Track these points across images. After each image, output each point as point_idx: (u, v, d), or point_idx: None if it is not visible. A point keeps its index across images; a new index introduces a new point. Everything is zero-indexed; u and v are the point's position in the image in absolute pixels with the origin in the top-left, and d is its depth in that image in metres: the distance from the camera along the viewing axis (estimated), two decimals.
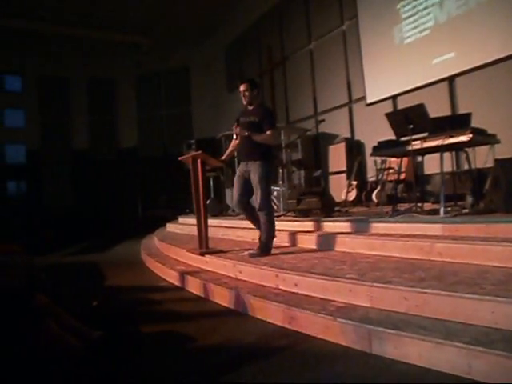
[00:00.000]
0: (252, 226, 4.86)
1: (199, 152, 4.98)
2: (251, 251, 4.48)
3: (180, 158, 5.50)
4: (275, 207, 8.02)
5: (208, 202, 5.38)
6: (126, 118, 19.48)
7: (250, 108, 4.53)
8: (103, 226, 15.31)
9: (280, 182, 7.58)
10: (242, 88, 4.54)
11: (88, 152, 18.98)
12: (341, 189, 8.77)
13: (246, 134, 4.40)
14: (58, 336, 2.40)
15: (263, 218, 4.44)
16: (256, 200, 4.42)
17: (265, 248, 4.45)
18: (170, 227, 9.89)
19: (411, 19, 8.39)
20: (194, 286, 4.45)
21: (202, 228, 5.04)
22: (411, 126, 4.48)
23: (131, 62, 18.23)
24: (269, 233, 4.46)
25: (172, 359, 2.69)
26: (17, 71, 18.35)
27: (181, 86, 18.26)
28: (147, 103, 19.16)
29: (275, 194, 8.16)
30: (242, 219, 5.71)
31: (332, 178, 10.22)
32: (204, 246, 5.06)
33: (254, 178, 4.40)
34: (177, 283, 4.91)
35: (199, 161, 4.94)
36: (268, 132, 4.33)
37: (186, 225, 8.75)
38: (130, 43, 16.99)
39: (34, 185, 18.16)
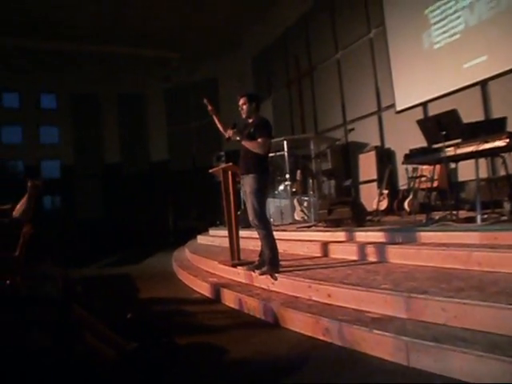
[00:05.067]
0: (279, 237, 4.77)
1: (230, 164, 5.00)
2: (263, 269, 4.29)
3: (210, 171, 5.54)
4: (305, 217, 8.02)
5: (238, 213, 5.38)
6: (155, 132, 19.83)
7: (250, 121, 4.44)
8: (135, 239, 15.53)
9: (310, 192, 7.54)
10: (240, 102, 4.45)
11: (119, 166, 19.40)
12: (372, 198, 8.63)
13: (238, 138, 4.33)
14: (95, 347, 2.43)
15: (259, 233, 4.30)
16: (248, 214, 4.31)
17: (272, 263, 4.24)
18: (201, 239, 9.95)
19: (440, 24, 8.26)
20: (226, 298, 4.45)
21: (234, 239, 5.05)
22: (444, 133, 4.38)
23: (160, 76, 18.58)
24: (270, 247, 4.26)
25: (207, 371, 2.69)
26: (51, 90, 18.99)
27: (209, 97, 18.45)
28: (176, 116, 19.46)
29: (305, 204, 8.15)
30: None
31: (363, 187, 10.09)
32: (236, 257, 5.06)
33: (246, 192, 4.33)
34: (209, 295, 4.92)
35: (230, 173, 4.96)
36: (258, 140, 4.20)
37: (216, 237, 8.78)
38: (159, 58, 17.33)
39: (68, 199, 18.65)
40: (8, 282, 2.60)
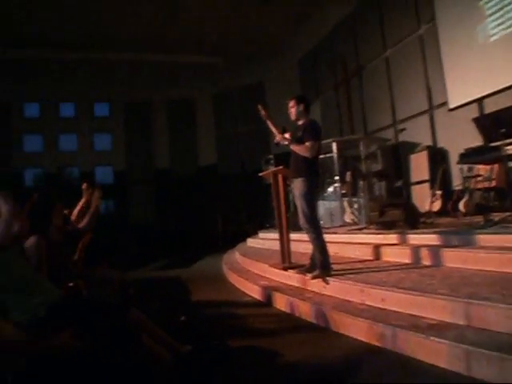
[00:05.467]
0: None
1: (280, 167, 5.00)
2: (315, 273, 4.26)
3: (260, 174, 5.57)
4: (356, 219, 7.89)
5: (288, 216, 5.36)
6: (204, 137, 20.17)
7: (300, 123, 4.43)
8: (185, 242, 15.80)
9: (361, 194, 7.42)
10: (289, 105, 4.45)
11: (169, 171, 19.83)
12: (424, 199, 8.37)
13: (286, 142, 4.35)
14: (151, 349, 2.49)
15: (309, 236, 4.28)
16: (299, 217, 4.30)
17: (323, 266, 4.21)
18: (251, 242, 9.98)
19: (497, 15, 7.89)
20: (277, 301, 4.45)
21: (285, 243, 5.04)
22: (503, 130, 4.19)
23: (208, 82, 18.88)
24: (321, 250, 4.23)
25: (260, 374, 2.70)
26: (104, 98, 19.76)
27: (256, 101, 18.55)
28: (224, 120, 19.70)
29: (355, 205, 8.03)
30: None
31: (414, 188, 9.81)
32: (287, 260, 5.05)
33: (296, 196, 4.33)
34: (260, 298, 4.94)
35: (280, 176, 4.97)
36: (306, 143, 4.18)
37: (266, 240, 8.79)
38: (206, 64, 17.63)
39: (121, 203, 19.27)
40: (71, 285, 2.72)
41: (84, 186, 4.46)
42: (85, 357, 2.23)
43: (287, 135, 4.52)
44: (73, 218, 4.38)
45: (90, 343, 2.17)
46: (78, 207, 4.45)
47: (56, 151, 19.22)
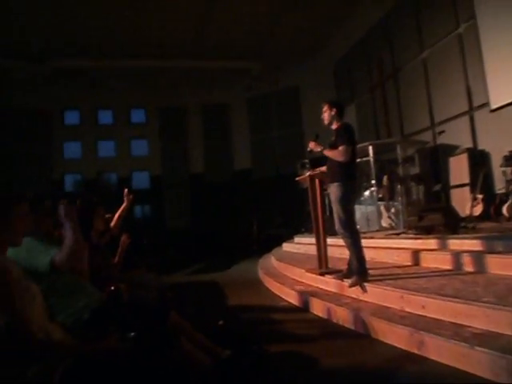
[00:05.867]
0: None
1: (317, 171, 4.99)
2: (352, 280, 4.18)
3: (297, 179, 5.57)
4: (393, 224, 7.76)
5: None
6: (239, 141, 20.25)
7: (333, 128, 4.40)
8: (220, 246, 15.89)
9: (399, 198, 7.29)
10: (322, 109, 4.44)
11: (204, 175, 20.02)
12: (464, 203, 8.15)
13: (319, 149, 4.34)
14: (190, 354, 2.51)
15: (345, 241, 4.24)
16: (335, 222, 4.27)
17: (359, 272, 4.15)
18: (287, 247, 9.95)
19: None
20: (314, 307, 4.42)
21: (322, 247, 5.01)
22: None
23: (242, 87, 18.98)
24: (357, 256, 4.16)
25: (300, 380, 2.69)
26: (141, 105, 20.18)
27: (291, 106, 18.57)
28: (259, 125, 19.74)
29: (393, 210, 7.90)
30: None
31: (454, 192, 9.54)
32: (324, 265, 5.02)
33: (332, 201, 4.31)
34: (297, 303, 4.92)
35: (317, 180, 4.95)
36: (339, 148, 4.14)
37: (302, 244, 8.76)
38: (241, 68, 17.73)
39: (156, 208, 19.59)
40: (112, 288, 2.78)
41: (126, 191, 4.59)
42: (126, 360, 2.28)
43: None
44: (112, 223, 4.50)
45: (132, 347, 2.21)
46: (119, 212, 4.56)
47: (95, 157, 19.70)
